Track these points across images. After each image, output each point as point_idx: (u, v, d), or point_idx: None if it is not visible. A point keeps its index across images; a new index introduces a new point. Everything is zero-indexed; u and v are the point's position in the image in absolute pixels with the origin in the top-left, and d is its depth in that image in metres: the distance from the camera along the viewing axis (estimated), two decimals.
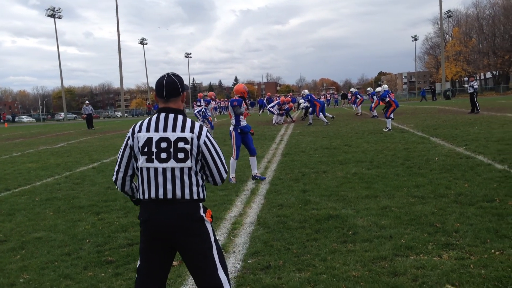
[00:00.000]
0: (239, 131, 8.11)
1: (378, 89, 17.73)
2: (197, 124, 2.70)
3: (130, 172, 2.78)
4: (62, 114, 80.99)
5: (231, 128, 8.19)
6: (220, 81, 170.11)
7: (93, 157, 13.33)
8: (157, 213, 2.59)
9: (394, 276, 3.70)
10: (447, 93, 57.39)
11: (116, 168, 2.80)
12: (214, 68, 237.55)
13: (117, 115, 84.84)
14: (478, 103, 22.91)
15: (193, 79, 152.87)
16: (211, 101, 20.98)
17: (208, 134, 2.71)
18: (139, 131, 2.70)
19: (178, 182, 2.59)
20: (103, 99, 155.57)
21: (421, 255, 4.11)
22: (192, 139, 2.63)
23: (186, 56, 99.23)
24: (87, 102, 34.21)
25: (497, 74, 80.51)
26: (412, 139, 12.88)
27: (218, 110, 59.78)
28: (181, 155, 2.60)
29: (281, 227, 5.19)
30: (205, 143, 2.66)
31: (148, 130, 2.67)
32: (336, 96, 65.05)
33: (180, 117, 2.68)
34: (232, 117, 8.11)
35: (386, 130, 15.80)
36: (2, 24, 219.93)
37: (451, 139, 12.22)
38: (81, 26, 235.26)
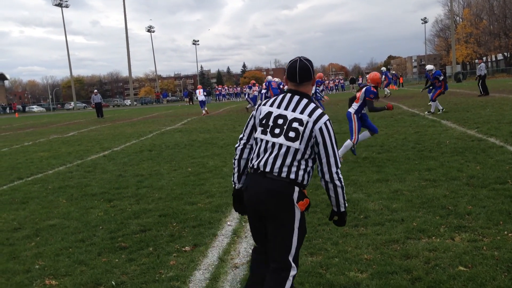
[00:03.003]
0: (359, 116, 7.98)
1: (430, 67, 16.40)
2: (318, 110, 2.70)
3: (251, 141, 2.88)
4: (72, 103, 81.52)
5: (352, 111, 8.02)
6: (228, 68, 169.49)
7: (103, 146, 13.41)
8: (253, 183, 2.71)
9: (406, 258, 3.70)
10: (458, 76, 56.80)
11: (241, 136, 2.93)
12: (222, 55, 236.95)
13: (126, 104, 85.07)
14: (482, 86, 22.74)
15: (201, 66, 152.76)
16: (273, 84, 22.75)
17: (328, 122, 2.68)
18: (264, 104, 2.84)
19: (280, 158, 2.65)
20: (112, 88, 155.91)
21: (433, 237, 4.11)
22: (307, 122, 2.65)
23: (193, 43, 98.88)
24: (95, 91, 34.30)
25: (508, 55, 79.41)
26: (422, 122, 12.79)
27: (227, 97, 59.74)
28: (292, 134, 2.65)
29: None
30: (320, 129, 2.65)
31: (271, 105, 2.78)
32: (342, 81, 64.50)
33: (304, 100, 2.73)
34: (360, 102, 7.94)
35: (428, 113, 14.99)
36: (9, 14, 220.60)
37: (462, 122, 12.11)
38: (88, 15, 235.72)
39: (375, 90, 7.85)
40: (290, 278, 2.65)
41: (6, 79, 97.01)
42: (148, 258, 4.18)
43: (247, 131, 2.88)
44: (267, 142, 2.70)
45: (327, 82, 56.72)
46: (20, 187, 7.96)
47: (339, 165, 2.72)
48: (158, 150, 11.40)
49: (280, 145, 2.65)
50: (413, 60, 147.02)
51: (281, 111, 2.71)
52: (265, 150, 2.70)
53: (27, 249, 4.70)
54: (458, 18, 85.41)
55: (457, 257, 3.63)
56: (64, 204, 6.49)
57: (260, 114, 2.79)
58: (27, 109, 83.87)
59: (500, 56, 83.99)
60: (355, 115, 7.97)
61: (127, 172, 8.52)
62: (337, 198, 2.78)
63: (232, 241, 4.48)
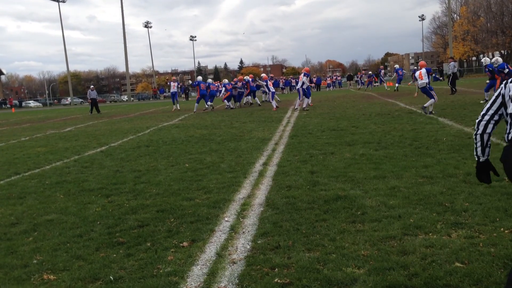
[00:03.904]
0: None
1: (493, 59, 15.95)
2: None
3: (496, 117, 2.98)
4: (69, 98, 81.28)
5: None
6: (225, 64, 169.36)
7: (101, 141, 13.40)
8: (508, 155, 2.78)
9: (403, 255, 3.72)
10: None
11: (483, 112, 3.02)
12: (219, 51, 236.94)
13: (123, 99, 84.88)
14: (452, 84, 23.80)
15: (199, 62, 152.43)
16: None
17: None
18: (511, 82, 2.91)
19: None
20: (109, 84, 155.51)
21: (430, 234, 4.13)
22: None
23: (191, 39, 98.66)
24: (92, 86, 34.49)
25: (505, 53, 79.56)
26: (420, 119, 12.82)
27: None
28: None
29: (290, 208, 5.22)
30: None
31: None
32: (339, 78, 64.79)
33: None
34: None
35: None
36: (6, 9, 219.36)
37: (459, 119, 12.15)
38: (84, 10, 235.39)
39: None
40: None
41: (3, 74, 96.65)
42: (146, 253, 4.19)
43: (493, 107, 2.98)
44: None
45: (325, 79, 56.86)
46: (17, 182, 7.95)
47: None
48: (156, 145, 11.40)
49: None
50: (410, 57, 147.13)
51: None
52: None
53: (24, 244, 4.70)
54: (455, 15, 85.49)
55: (453, 254, 3.65)
56: (62, 199, 6.48)
57: (510, 90, 2.87)
58: (23, 104, 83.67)
59: (497, 54, 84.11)
60: None
61: (124, 168, 8.52)
62: None
63: (230, 237, 4.49)
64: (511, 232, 4.01)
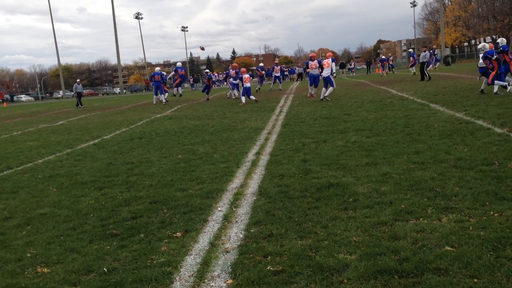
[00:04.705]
0: None
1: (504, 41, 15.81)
2: None
3: None
4: (61, 92, 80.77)
5: None
6: (217, 54, 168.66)
7: (93, 134, 13.35)
8: None
9: (394, 240, 3.76)
10: (447, 59, 56.96)
11: None
12: (211, 41, 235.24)
13: (116, 92, 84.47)
14: (427, 73, 25.07)
15: (191, 53, 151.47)
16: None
17: None
18: None
19: None
20: (101, 76, 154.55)
21: (420, 219, 4.17)
22: None
23: (182, 30, 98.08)
24: (78, 80, 34.66)
25: (497, 38, 79.67)
26: (411, 106, 12.86)
27: (217, 84, 59.45)
28: None
29: (283, 197, 5.25)
30: None
31: None
32: None
33: None
34: None
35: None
36: None
37: (450, 105, 12.19)
38: (74, 2, 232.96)
39: None
40: None
41: None
42: (140, 244, 4.20)
43: None
44: None
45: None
46: (10, 176, 7.93)
47: None
48: (148, 137, 11.38)
49: None
50: (402, 44, 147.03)
51: None
52: None
53: (18, 238, 4.70)
54: (447, 1, 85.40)
55: (443, 238, 3.69)
56: (55, 192, 6.48)
57: None
58: (15, 98, 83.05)
59: (488, 39, 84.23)
60: None
61: (117, 160, 8.51)
62: None
63: (223, 226, 4.51)
64: (500, 215, 4.06)
